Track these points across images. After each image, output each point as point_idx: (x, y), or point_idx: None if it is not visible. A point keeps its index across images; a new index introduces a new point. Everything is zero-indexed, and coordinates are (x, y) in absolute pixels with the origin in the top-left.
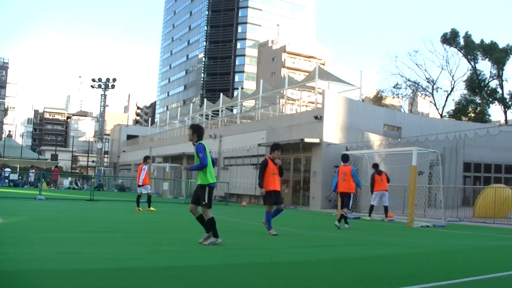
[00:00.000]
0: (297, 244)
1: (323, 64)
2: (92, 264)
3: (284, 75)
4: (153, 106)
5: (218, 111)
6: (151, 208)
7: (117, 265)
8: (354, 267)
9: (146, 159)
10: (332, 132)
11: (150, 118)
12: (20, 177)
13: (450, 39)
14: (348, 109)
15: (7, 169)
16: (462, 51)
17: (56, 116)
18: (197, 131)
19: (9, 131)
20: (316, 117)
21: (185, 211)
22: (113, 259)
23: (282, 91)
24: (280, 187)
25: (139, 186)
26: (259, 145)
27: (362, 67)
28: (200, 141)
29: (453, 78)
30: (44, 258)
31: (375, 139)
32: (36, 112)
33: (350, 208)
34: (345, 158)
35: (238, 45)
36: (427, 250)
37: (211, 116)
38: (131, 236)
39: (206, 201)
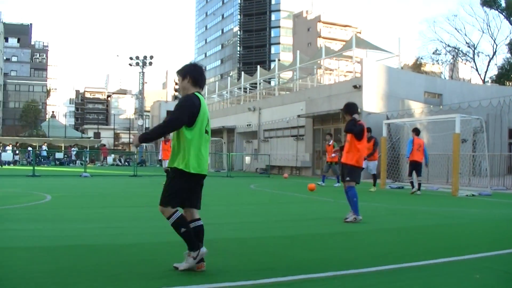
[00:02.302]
0: (339, 215)
1: (360, 33)
2: (136, 239)
3: (320, 45)
4: None
5: (256, 83)
6: None
7: (161, 239)
8: (397, 238)
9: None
10: (372, 101)
11: None
12: (65, 156)
13: (490, 1)
14: (387, 77)
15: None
16: (503, 13)
17: (97, 95)
18: None
19: (53, 112)
20: (355, 87)
21: (227, 184)
22: (156, 233)
23: (319, 62)
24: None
25: None
26: (298, 116)
27: (399, 34)
28: None
29: (495, 42)
30: (89, 233)
31: (416, 107)
32: (77, 92)
33: (421, 175)
34: (418, 132)
35: (273, 17)
36: (472, 219)
37: (249, 89)
38: None
39: None
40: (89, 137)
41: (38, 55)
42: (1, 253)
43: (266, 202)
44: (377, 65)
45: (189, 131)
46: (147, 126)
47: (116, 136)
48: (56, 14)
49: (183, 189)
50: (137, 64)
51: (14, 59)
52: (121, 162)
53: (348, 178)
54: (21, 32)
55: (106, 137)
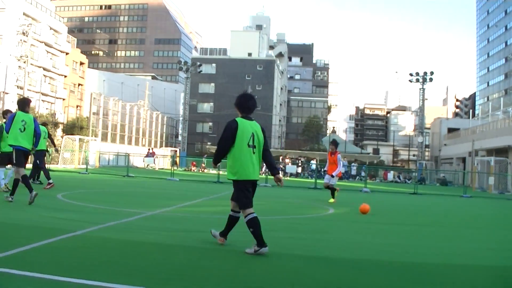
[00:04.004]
0: None
1: None
2: (412, 257)
3: None
4: (472, 97)
5: None
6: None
7: (447, 261)
8: None
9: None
10: None
11: (470, 110)
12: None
13: None
14: None
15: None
16: None
17: (376, 112)
18: (18, 104)
19: (333, 127)
20: None
21: None
22: (437, 254)
23: None
24: None
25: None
26: None
27: None
28: (16, 112)
29: None
30: (363, 247)
31: None
32: (357, 108)
33: None
34: None
35: None
36: None
37: None
38: (453, 232)
39: (14, 162)
40: (368, 153)
41: (319, 73)
42: (277, 258)
43: None
44: None
45: (232, 147)
46: (426, 143)
47: (395, 153)
48: (337, 33)
49: (243, 192)
50: (417, 80)
51: (297, 77)
52: (400, 179)
53: None
54: (304, 51)
55: (385, 153)
